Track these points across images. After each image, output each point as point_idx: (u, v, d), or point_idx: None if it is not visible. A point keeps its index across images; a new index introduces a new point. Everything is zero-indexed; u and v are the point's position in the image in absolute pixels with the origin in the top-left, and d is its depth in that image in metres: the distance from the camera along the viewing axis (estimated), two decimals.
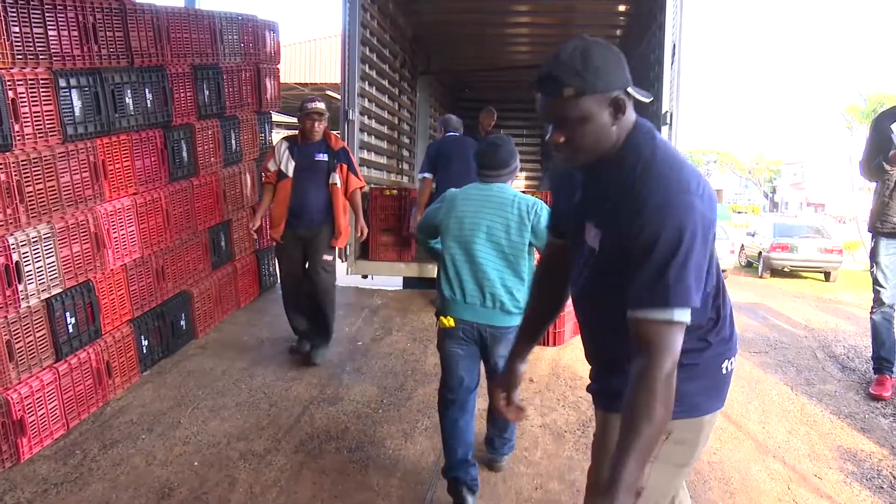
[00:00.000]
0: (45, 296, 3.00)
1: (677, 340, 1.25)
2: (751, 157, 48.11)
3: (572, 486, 2.73)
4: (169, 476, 2.73)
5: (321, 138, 3.79)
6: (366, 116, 6.25)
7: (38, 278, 2.95)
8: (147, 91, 3.73)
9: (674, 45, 5.13)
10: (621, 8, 7.18)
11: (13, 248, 2.82)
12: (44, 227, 3.00)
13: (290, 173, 3.77)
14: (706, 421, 1.47)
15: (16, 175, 2.83)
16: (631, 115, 1.32)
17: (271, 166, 3.84)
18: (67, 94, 3.14)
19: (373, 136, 6.67)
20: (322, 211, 3.79)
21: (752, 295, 8.50)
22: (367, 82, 6.22)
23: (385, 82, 7.03)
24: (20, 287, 2.85)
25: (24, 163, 2.88)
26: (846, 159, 23.10)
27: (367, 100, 6.27)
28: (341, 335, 4.43)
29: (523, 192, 2.66)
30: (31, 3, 2.98)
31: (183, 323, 4.09)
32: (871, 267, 3.71)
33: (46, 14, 3.05)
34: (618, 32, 7.96)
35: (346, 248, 5.05)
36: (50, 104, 3.04)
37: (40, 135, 3.01)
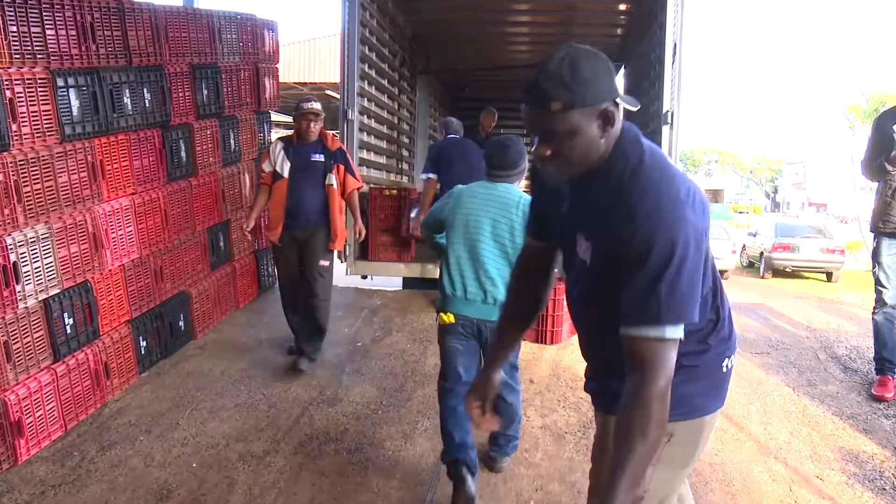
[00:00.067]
0: (42, 296, 2.99)
1: (671, 357, 1.23)
2: (752, 156, 48.08)
3: (573, 487, 2.71)
4: (167, 478, 2.72)
5: (317, 138, 3.76)
6: (365, 116, 6.23)
7: (35, 279, 2.94)
8: (145, 90, 3.71)
9: (675, 44, 5.11)
10: (622, 7, 7.16)
11: (11, 249, 2.81)
12: (42, 227, 2.99)
13: (286, 174, 3.73)
14: (707, 421, 1.48)
15: (13, 175, 2.82)
16: (619, 124, 1.28)
17: (266, 167, 3.81)
18: (65, 93, 3.13)
19: (372, 136, 6.66)
20: (318, 212, 3.75)
21: (753, 295, 8.49)
22: (366, 81, 6.21)
23: (384, 81, 7.02)
24: (18, 288, 2.84)
25: (22, 163, 2.87)
26: (848, 159, 23.06)
27: (366, 99, 6.25)
28: (340, 336, 4.42)
29: (525, 191, 2.66)
30: (29, 2, 2.96)
31: (181, 324, 4.08)
32: (873, 267, 3.69)
33: (44, 13, 3.04)
34: (618, 31, 7.95)
35: (345, 248, 5.03)
36: (48, 104, 3.03)
37: (38, 135, 2.99)
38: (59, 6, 3.11)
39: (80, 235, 3.21)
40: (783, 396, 3.74)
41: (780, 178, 47.84)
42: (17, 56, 2.92)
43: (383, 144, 7.23)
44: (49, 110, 3.04)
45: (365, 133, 6.25)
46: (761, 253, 14.17)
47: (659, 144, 5.20)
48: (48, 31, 3.07)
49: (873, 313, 3.68)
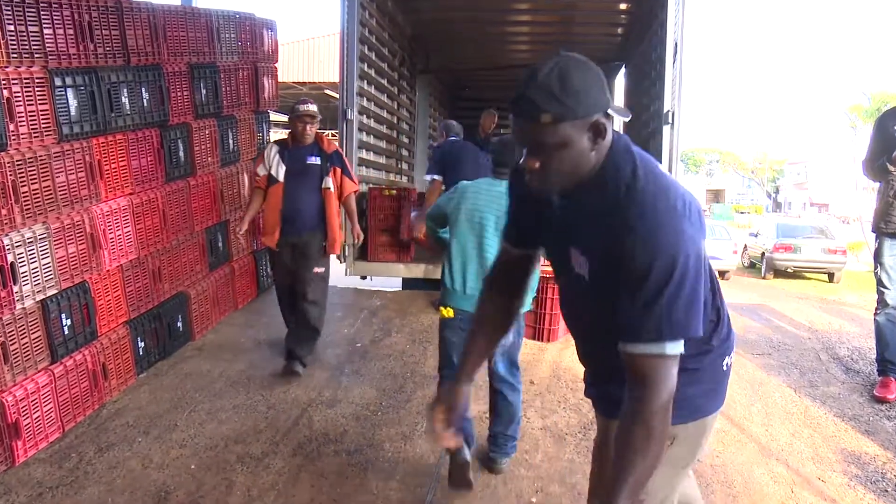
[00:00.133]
0: (40, 297, 2.97)
1: (672, 373, 1.23)
2: (754, 156, 47.99)
3: (573, 489, 2.70)
4: (165, 479, 2.70)
5: (313, 141, 3.71)
6: (364, 115, 6.22)
7: (33, 279, 2.93)
8: (143, 90, 3.70)
9: (676, 44, 5.09)
10: (622, 6, 7.14)
11: (8, 249, 2.79)
12: (39, 227, 2.97)
13: (281, 178, 3.68)
14: (709, 421, 1.48)
15: (11, 175, 2.81)
16: (610, 136, 1.25)
17: (261, 171, 3.75)
18: (63, 93, 3.11)
19: (371, 136, 6.64)
20: (315, 216, 3.70)
21: (754, 296, 8.48)
22: (365, 81, 6.20)
23: (384, 81, 7.00)
24: (15, 288, 2.82)
25: (20, 162, 2.85)
26: (850, 159, 23.05)
27: (365, 99, 6.24)
28: (340, 337, 4.41)
29: None
30: (27, 1, 2.95)
31: (180, 324, 4.06)
32: (875, 268, 3.68)
33: (42, 12, 3.03)
34: (619, 31, 7.93)
35: (343, 249, 5.02)
36: (45, 103, 3.01)
37: (35, 134, 2.98)
38: (56, 5, 3.10)
39: (77, 236, 3.19)
40: (785, 398, 3.73)
41: (782, 179, 47.79)
42: (15, 55, 2.90)
43: (383, 144, 7.22)
44: (47, 110, 3.02)
45: (364, 133, 6.24)
46: (763, 253, 14.16)
47: (660, 144, 5.22)
48: (46, 31, 3.06)
49: (875, 314, 3.66)
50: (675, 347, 1.22)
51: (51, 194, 3.04)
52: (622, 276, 1.21)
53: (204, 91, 4.32)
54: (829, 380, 3.99)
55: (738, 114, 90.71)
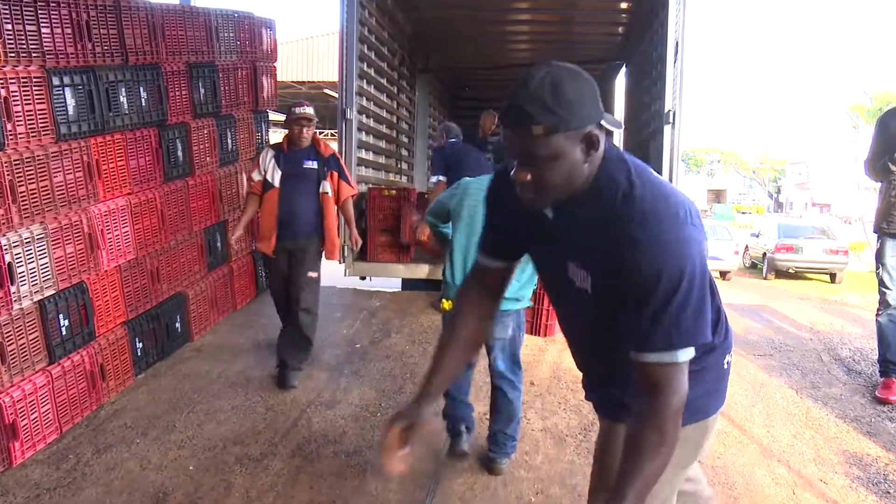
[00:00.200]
0: (37, 297, 2.96)
1: (683, 379, 1.22)
2: (755, 156, 47.94)
3: (574, 490, 2.68)
4: (164, 481, 2.69)
5: (309, 144, 3.64)
6: (364, 115, 6.21)
7: (30, 280, 2.91)
8: (142, 89, 3.68)
9: (677, 43, 5.08)
10: (623, 5, 7.13)
11: (5, 249, 2.78)
12: (37, 227, 2.96)
13: (277, 183, 3.60)
14: (709, 422, 1.48)
15: (8, 175, 2.79)
16: (603, 146, 1.21)
17: (256, 176, 3.68)
18: (61, 92, 3.10)
19: (371, 135, 6.63)
20: (312, 221, 3.63)
21: (756, 296, 8.47)
22: (365, 80, 6.19)
23: (383, 80, 6.99)
24: (12, 289, 2.81)
25: (17, 162, 2.84)
26: (852, 159, 23.02)
27: (365, 98, 6.23)
28: (339, 337, 4.40)
29: None
30: (24, 0, 2.94)
31: (178, 325, 4.05)
32: (877, 268, 3.66)
33: (39, 11, 3.01)
34: (619, 30, 7.92)
35: (342, 250, 5.00)
36: (43, 103, 3.00)
37: (33, 134, 2.96)
38: (54, 4, 3.09)
39: (75, 236, 3.18)
40: (786, 399, 3.71)
41: (783, 179, 47.76)
42: (13, 54, 2.89)
43: (382, 144, 7.20)
44: (44, 109, 3.01)
45: (364, 132, 6.23)
46: (764, 254, 14.13)
47: (661, 144, 5.21)
48: (44, 30, 3.04)
49: (877, 315, 3.65)
50: (687, 354, 1.22)
51: (48, 194, 3.02)
52: (629, 288, 1.19)
53: (202, 90, 4.31)
54: (830, 381, 3.97)
55: (739, 113, 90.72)
